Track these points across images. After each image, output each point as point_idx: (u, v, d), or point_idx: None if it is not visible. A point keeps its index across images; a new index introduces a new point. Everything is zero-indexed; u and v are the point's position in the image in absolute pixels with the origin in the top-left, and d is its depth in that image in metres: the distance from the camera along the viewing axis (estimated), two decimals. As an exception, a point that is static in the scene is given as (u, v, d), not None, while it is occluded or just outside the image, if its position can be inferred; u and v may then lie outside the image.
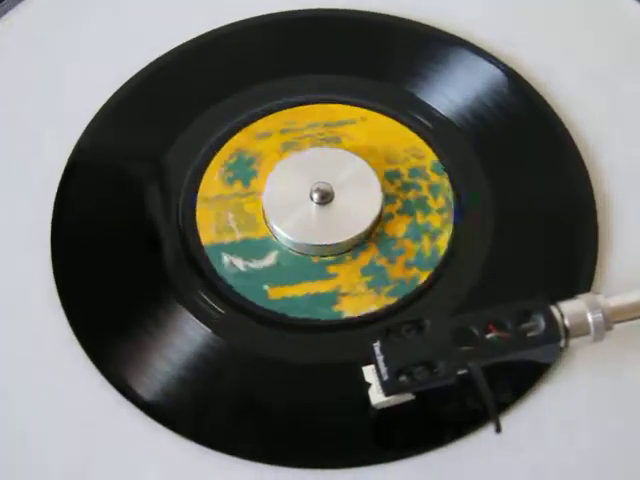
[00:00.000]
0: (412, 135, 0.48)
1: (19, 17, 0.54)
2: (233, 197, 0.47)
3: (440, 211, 0.46)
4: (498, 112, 0.49)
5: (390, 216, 0.46)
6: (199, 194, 0.47)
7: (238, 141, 0.49)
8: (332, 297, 0.44)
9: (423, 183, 0.47)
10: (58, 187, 0.48)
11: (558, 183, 0.47)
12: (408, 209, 0.46)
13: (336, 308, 0.44)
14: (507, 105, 0.50)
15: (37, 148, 0.49)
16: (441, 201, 0.46)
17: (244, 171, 0.48)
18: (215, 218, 0.47)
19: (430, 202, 0.47)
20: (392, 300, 0.44)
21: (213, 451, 0.41)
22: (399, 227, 0.46)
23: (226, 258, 0.45)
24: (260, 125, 0.49)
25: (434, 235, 0.46)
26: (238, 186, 0.47)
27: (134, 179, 0.48)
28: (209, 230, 0.46)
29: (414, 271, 0.45)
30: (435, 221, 0.46)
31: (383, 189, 0.46)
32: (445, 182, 0.47)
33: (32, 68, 0.52)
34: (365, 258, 0.45)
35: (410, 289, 0.44)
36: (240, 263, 0.45)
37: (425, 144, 0.48)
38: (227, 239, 0.46)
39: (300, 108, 0.50)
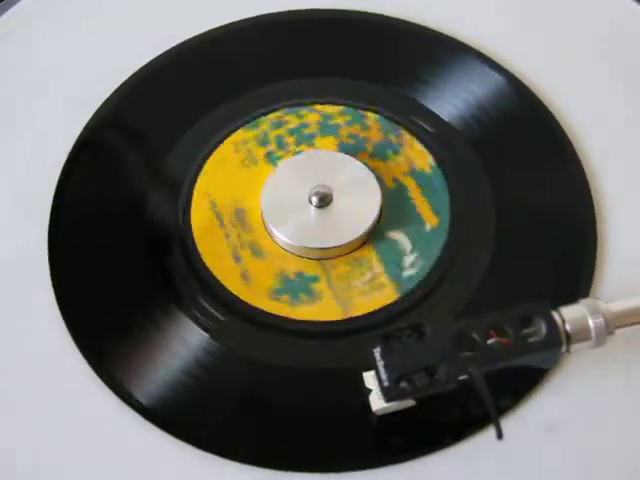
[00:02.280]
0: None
1: (20, 12, 0.54)
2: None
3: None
4: (500, 117, 0.49)
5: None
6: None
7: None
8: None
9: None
10: (56, 188, 0.48)
11: (559, 188, 0.47)
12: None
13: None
14: (508, 110, 0.50)
15: (37, 143, 0.49)
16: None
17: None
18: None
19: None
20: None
21: (212, 455, 0.41)
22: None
23: None
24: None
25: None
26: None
27: (134, 180, 0.48)
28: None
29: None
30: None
31: (382, 192, 0.46)
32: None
33: (31, 68, 0.52)
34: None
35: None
36: None
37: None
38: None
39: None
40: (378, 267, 0.45)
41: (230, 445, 0.41)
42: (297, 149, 0.48)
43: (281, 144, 0.49)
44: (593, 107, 0.50)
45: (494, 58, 0.51)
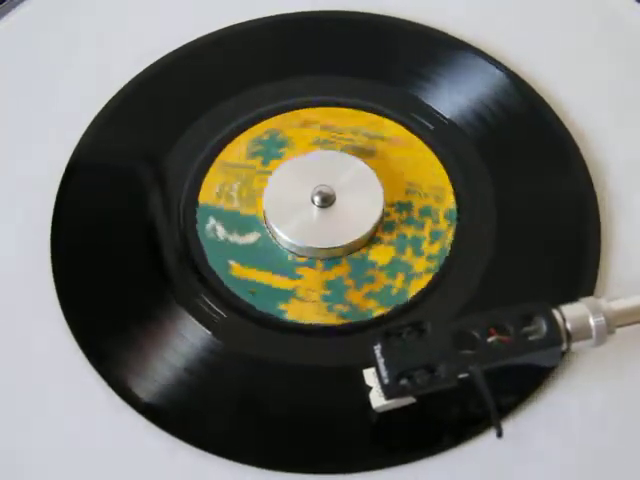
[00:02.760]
0: (439, 169, 0.48)
1: (20, 17, 0.54)
2: (248, 169, 0.48)
3: (430, 257, 0.45)
4: (501, 115, 0.49)
5: (379, 241, 0.46)
6: (218, 157, 0.48)
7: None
8: (285, 295, 0.44)
9: (427, 225, 0.46)
10: (58, 188, 0.48)
11: (561, 186, 0.47)
12: (400, 244, 0.46)
13: (281, 306, 0.44)
14: (510, 108, 0.50)
15: (37, 149, 0.49)
16: (436, 246, 0.46)
17: (270, 151, 0.49)
18: (222, 182, 0.47)
19: (424, 246, 0.46)
20: (338, 320, 0.43)
21: (212, 455, 0.41)
22: (382, 256, 0.45)
23: (212, 222, 0.46)
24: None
25: (410, 277, 0.45)
26: (257, 161, 0.48)
27: (135, 180, 0.48)
28: (211, 191, 0.47)
29: (371, 304, 0.44)
30: (418, 265, 0.45)
31: (385, 193, 0.46)
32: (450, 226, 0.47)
33: (32, 68, 0.52)
34: (335, 272, 0.45)
35: (359, 318, 0.44)
36: (221, 231, 0.46)
37: (448, 181, 0.48)
38: (222, 204, 0.47)
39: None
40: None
41: (231, 444, 0.41)
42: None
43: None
44: (595, 104, 0.50)
45: (495, 56, 0.51)
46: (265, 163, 0.48)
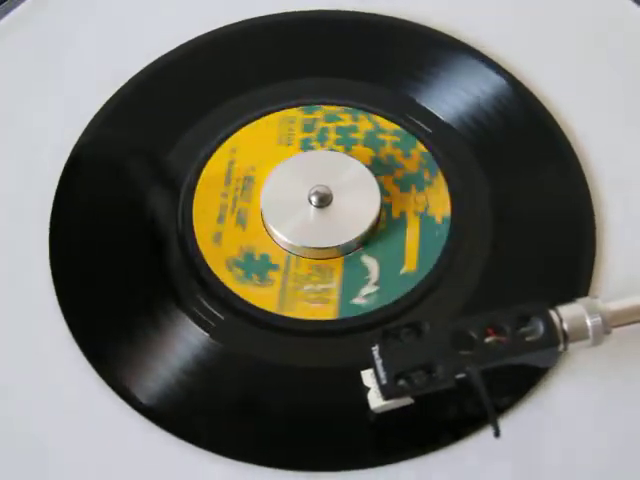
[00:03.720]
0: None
1: (21, 15, 0.54)
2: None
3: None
4: (498, 118, 0.49)
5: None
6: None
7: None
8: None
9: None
10: (57, 187, 0.48)
11: (557, 188, 0.47)
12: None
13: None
14: (507, 111, 0.50)
15: (38, 145, 0.49)
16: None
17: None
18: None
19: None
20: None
21: (212, 454, 0.41)
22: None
23: None
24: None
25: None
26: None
27: (135, 179, 0.48)
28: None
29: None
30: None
31: (382, 192, 0.46)
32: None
33: (33, 65, 0.52)
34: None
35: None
36: None
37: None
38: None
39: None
40: (336, 282, 0.45)
41: (229, 444, 0.41)
42: (334, 147, 0.48)
43: (322, 137, 0.49)
44: (592, 107, 0.50)
45: (493, 58, 0.51)
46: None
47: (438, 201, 0.47)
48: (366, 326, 0.43)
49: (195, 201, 0.47)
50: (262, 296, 0.44)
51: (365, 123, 0.49)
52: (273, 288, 0.44)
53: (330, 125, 0.49)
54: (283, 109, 0.50)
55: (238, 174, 0.48)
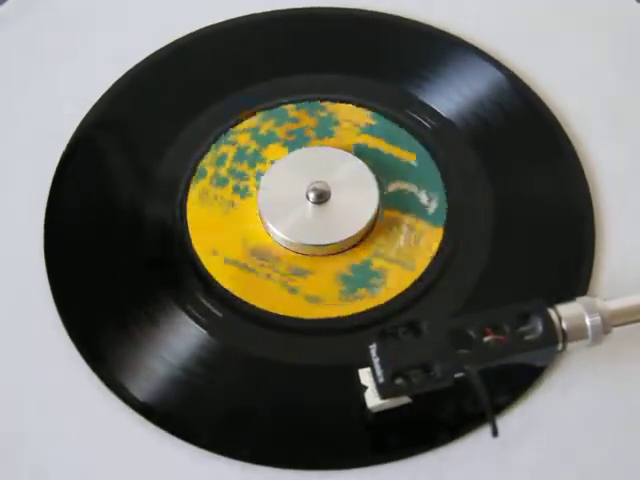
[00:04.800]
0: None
1: (21, 7, 0.54)
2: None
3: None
4: (499, 114, 0.49)
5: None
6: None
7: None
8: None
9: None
10: (52, 183, 0.48)
11: (556, 186, 0.47)
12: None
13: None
14: (507, 107, 0.50)
15: (34, 141, 0.49)
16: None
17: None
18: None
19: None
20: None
21: (208, 452, 0.41)
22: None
23: None
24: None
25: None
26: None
27: (129, 178, 0.48)
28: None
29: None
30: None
31: (380, 189, 0.46)
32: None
33: (28, 61, 0.52)
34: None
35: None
36: None
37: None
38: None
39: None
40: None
41: (227, 442, 0.41)
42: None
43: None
44: (592, 104, 0.50)
45: (493, 55, 0.51)
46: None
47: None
48: (365, 324, 0.43)
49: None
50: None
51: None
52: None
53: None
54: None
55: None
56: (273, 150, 0.48)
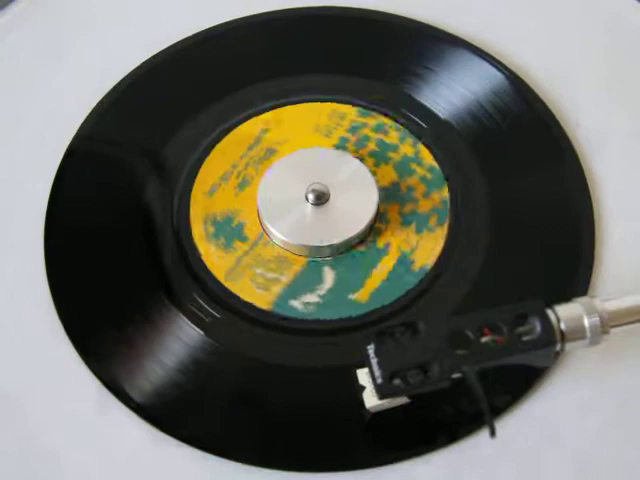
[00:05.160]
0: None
1: (20, 9, 0.54)
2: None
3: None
4: (497, 114, 0.49)
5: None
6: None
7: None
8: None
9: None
10: (53, 181, 0.48)
11: (556, 186, 0.47)
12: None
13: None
14: (506, 107, 0.49)
15: (34, 140, 0.49)
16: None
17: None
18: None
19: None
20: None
21: (205, 453, 0.41)
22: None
23: None
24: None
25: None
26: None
27: (130, 175, 0.48)
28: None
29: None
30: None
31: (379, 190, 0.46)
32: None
33: (30, 61, 0.52)
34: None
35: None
36: None
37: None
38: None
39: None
40: (287, 278, 0.44)
41: (224, 444, 0.41)
42: (366, 157, 0.48)
43: (360, 144, 0.49)
44: (591, 104, 0.50)
45: (491, 53, 0.51)
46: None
47: (427, 249, 0.45)
48: (363, 324, 0.43)
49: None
50: (217, 259, 0.45)
51: (408, 148, 0.48)
52: (231, 256, 0.45)
53: (374, 136, 0.49)
54: (330, 102, 0.50)
55: (264, 144, 0.48)
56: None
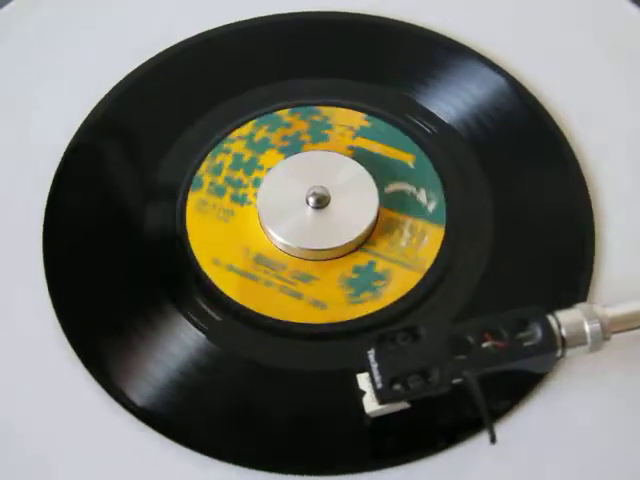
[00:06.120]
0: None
1: (21, 7, 0.54)
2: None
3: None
4: (499, 119, 0.49)
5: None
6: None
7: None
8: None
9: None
10: (51, 185, 0.47)
11: (557, 190, 0.47)
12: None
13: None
14: (508, 112, 0.49)
15: (32, 145, 0.49)
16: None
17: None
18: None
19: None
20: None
21: (206, 457, 0.41)
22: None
23: None
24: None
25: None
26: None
27: (131, 177, 0.48)
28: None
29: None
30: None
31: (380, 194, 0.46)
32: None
33: (28, 63, 0.52)
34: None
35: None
36: None
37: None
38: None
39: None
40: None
41: (225, 447, 0.41)
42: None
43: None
44: (592, 109, 0.50)
45: (493, 59, 0.51)
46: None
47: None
48: (364, 329, 0.43)
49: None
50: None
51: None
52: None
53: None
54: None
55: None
56: (269, 157, 0.48)
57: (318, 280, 0.45)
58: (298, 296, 0.44)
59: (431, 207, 0.46)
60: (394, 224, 0.46)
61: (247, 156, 0.48)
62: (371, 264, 0.45)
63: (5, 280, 0.45)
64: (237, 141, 0.49)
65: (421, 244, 0.46)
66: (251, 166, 0.48)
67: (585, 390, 0.42)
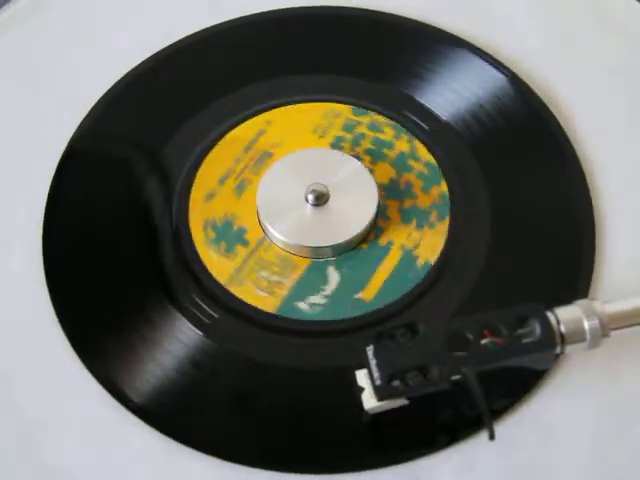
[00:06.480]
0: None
1: (19, 9, 0.54)
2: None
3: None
4: (498, 116, 0.49)
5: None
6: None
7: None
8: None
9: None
10: (52, 181, 0.47)
11: (557, 188, 0.47)
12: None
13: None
14: (507, 109, 0.49)
15: (33, 139, 0.49)
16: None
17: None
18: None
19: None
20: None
21: (205, 455, 0.40)
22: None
23: None
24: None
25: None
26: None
27: (129, 176, 0.48)
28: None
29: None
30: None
31: (380, 191, 0.46)
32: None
33: (29, 59, 0.52)
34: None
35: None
36: None
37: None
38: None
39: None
40: (291, 280, 0.44)
41: (224, 445, 0.41)
42: (362, 154, 0.48)
43: (356, 142, 0.49)
44: (593, 107, 0.50)
45: (494, 55, 0.51)
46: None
47: (430, 245, 0.45)
48: (363, 326, 0.43)
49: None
50: (219, 265, 0.45)
51: (403, 144, 0.48)
52: (233, 262, 0.45)
53: (370, 134, 0.48)
54: (329, 102, 0.50)
55: (260, 146, 0.48)
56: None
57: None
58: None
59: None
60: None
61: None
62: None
63: (5, 280, 0.45)
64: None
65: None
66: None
67: (584, 387, 0.42)
